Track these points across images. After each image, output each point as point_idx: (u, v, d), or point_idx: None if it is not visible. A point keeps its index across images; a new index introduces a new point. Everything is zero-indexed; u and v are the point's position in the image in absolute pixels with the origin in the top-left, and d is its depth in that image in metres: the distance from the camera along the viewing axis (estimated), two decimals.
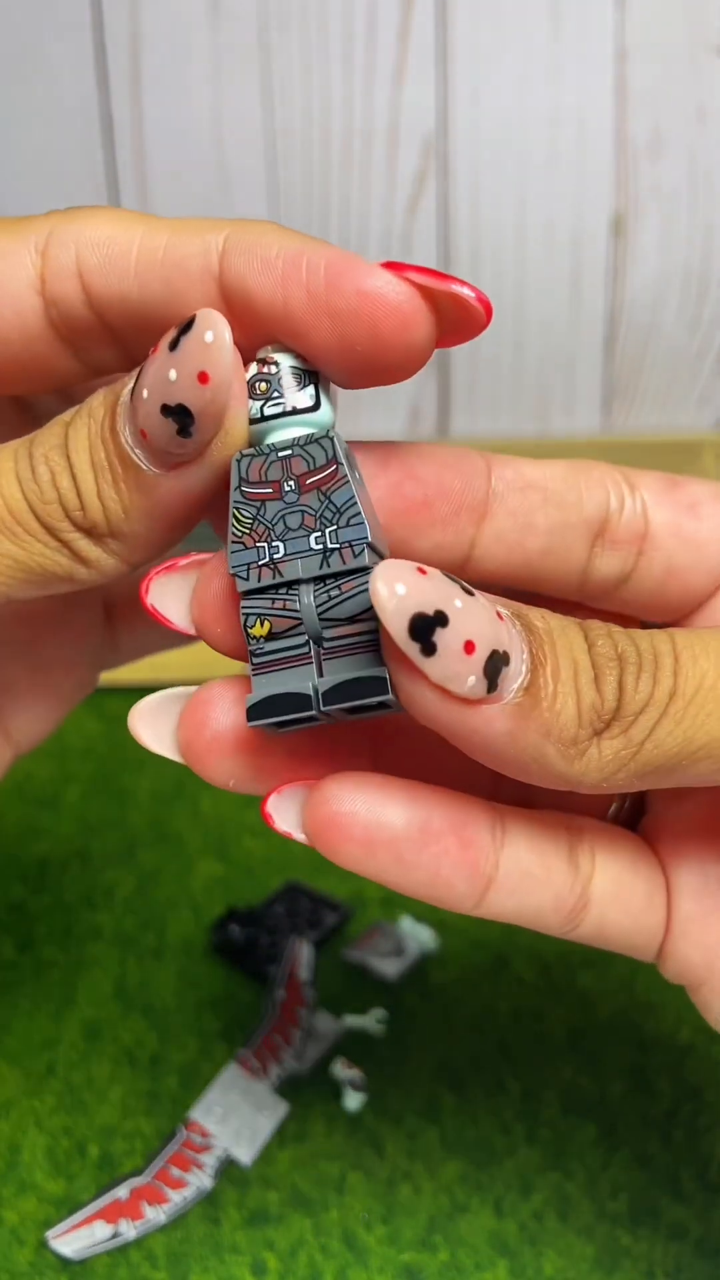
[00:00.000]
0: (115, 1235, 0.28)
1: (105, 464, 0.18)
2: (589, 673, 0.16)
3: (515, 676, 0.16)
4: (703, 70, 0.46)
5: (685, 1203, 0.29)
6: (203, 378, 0.17)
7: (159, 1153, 0.30)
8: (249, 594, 0.17)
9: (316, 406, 0.17)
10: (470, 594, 0.16)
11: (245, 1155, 0.30)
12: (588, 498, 0.19)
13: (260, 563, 0.17)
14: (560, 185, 0.48)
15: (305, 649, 0.17)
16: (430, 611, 0.15)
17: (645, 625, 0.21)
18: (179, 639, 0.24)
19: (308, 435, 0.17)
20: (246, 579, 0.17)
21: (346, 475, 0.17)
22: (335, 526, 0.17)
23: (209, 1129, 0.30)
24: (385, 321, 0.17)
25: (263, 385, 0.17)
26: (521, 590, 0.20)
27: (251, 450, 0.17)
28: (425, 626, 0.15)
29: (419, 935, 0.36)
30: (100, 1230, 0.28)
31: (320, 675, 0.17)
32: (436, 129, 0.47)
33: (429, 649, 0.15)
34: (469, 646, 0.15)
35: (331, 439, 0.17)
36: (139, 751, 0.50)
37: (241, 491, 0.17)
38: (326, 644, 0.17)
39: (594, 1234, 0.28)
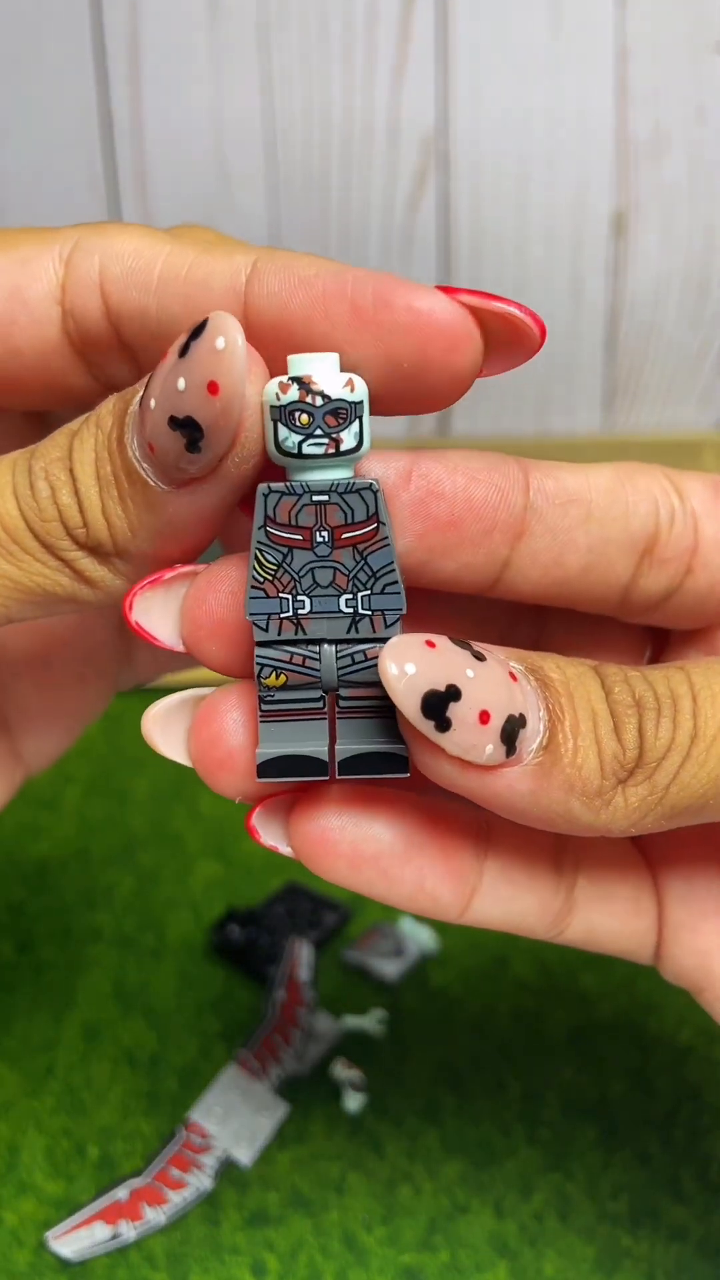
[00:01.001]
0: (115, 1236, 0.28)
1: (111, 479, 0.17)
2: (608, 722, 0.16)
3: (534, 737, 0.15)
4: (704, 69, 0.46)
5: (686, 1203, 0.29)
6: (213, 388, 0.15)
7: (158, 1154, 0.30)
8: (267, 644, 0.16)
9: (359, 447, 0.16)
10: (481, 659, 0.15)
11: (245, 1156, 0.30)
12: (634, 512, 0.18)
13: (282, 615, 0.16)
14: (561, 183, 0.48)
15: (319, 704, 0.16)
16: (442, 687, 0.15)
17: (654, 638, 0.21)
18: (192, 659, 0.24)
19: (348, 482, 0.16)
20: (265, 630, 0.16)
21: (388, 536, 0.16)
22: (369, 592, 0.16)
23: (209, 1130, 0.30)
24: (434, 341, 0.16)
25: (304, 417, 0.15)
26: (553, 607, 0.19)
27: (282, 486, 0.16)
28: (438, 703, 0.15)
29: (419, 936, 0.36)
30: (100, 1231, 0.28)
31: (334, 735, 0.16)
32: (437, 127, 0.47)
33: (443, 725, 0.15)
34: (484, 716, 0.15)
35: (375, 492, 0.16)
36: (139, 752, 0.50)
37: (267, 532, 0.16)
38: (343, 702, 0.17)
39: (594, 1235, 0.28)
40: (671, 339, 0.50)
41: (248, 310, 0.17)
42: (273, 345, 0.17)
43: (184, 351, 0.16)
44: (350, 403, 0.15)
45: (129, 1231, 0.28)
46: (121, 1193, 0.29)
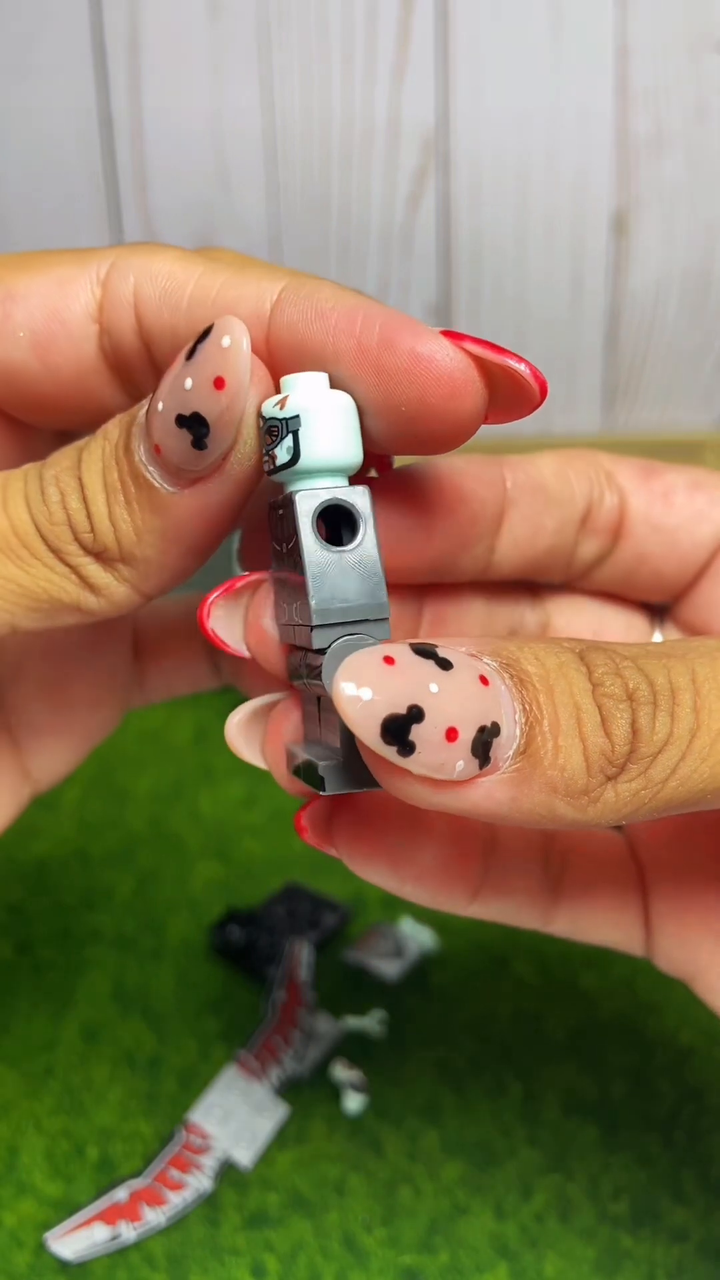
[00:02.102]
0: (114, 1237, 0.28)
1: (118, 484, 0.18)
2: (594, 716, 0.15)
3: (509, 742, 0.15)
4: (704, 67, 0.46)
5: (687, 1205, 0.28)
6: (219, 383, 0.16)
7: (158, 1155, 0.30)
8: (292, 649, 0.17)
9: (292, 461, 0.17)
10: (447, 667, 0.14)
11: (245, 1157, 0.30)
12: (578, 491, 0.20)
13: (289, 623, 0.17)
14: (561, 182, 0.48)
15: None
16: (403, 710, 0.14)
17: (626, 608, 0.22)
18: (206, 680, 0.25)
19: (278, 499, 0.17)
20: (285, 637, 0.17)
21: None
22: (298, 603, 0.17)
23: (208, 1131, 0.30)
24: (434, 388, 0.16)
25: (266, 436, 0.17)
26: (521, 580, 0.20)
27: (278, 501, 0.17)
28: (398, 728, 0.14)
29: (419, 936, 0.36)
30: (99, 1232, 0.28)
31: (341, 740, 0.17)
32: (437, 126, 0.47)
33: (406, 750, 0.14)
34: (451, 734, 0.14)
35: (291, 505, 0.17)
36: (139, 752, 0.50)
37: (273, 548, 0.17)
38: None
39: (595, 1236, 0.28)
40: (672, 338, 0.50)
41: (270, 336, 0.17)
42: (289, 368, 0.17)
43: (191, 354, 0.17)
44: (281, 419, 0.16)
45: (128, 1232, 0.28)
46: (121, 1194, 0.29)
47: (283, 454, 0.16)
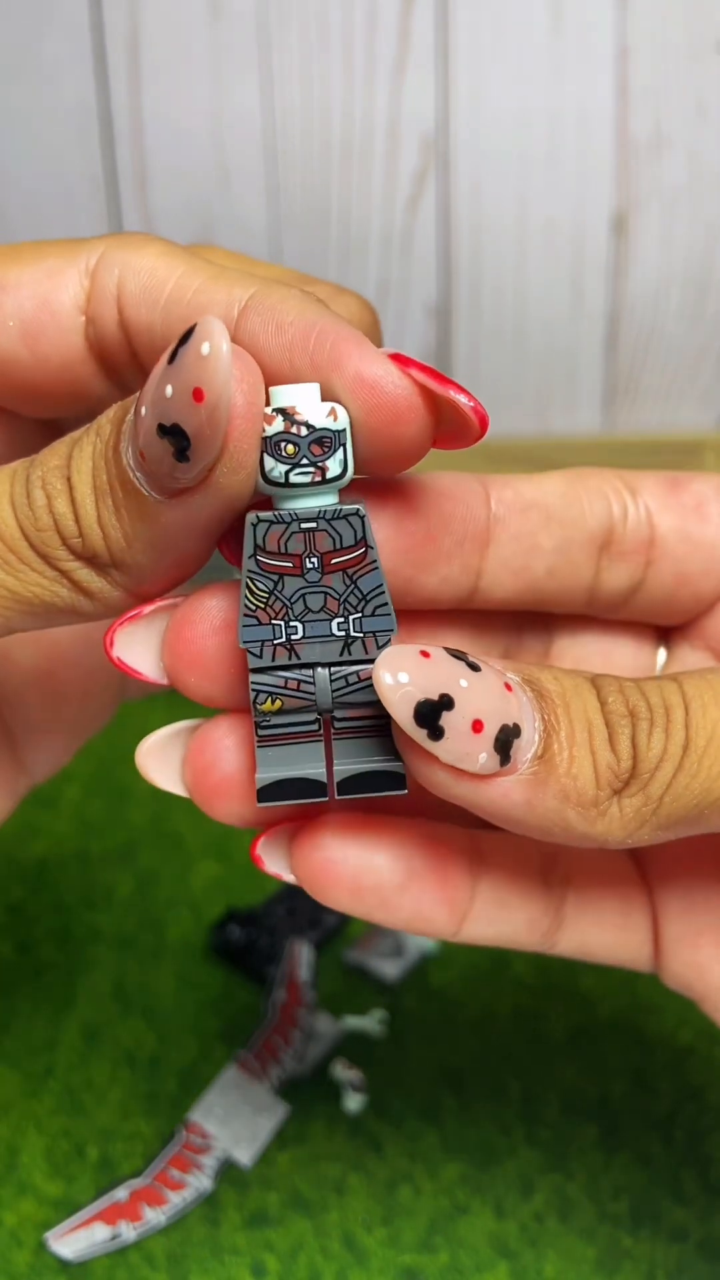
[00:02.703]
0: (115, 1237, 0.28)
1: (106, 488, 0.17)
2: (603, 733, 0.16)
3: (528, 746, 0.16)
4: (704, 68, 0.46)
5: (686, 1204, 0.29)
6: (197, 394, 0.15)
7: (159, 1154, 0.30)
8: (262, 670, 0.17)
9: (344, 474, 0.16)
10: (476, 669, 0.16)
11: (245, 1157, 0.30)
12: (589, 510, 0.19)
13: (276, 641, 0.17)
14: (561, 183, 0.48)
15: (315, 727, 0.17)
16: (435, 696, 0.15)
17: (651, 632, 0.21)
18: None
19: (335, 509, 0.16)
20: (259, 656, 0.17)
21: (375, 560, 0.16)
22: (360, 614, 0.16)
23: (209, 1130, 0.30)
24: (377, 411, 0.16)
25: (290, 447, 0.16)
26: (530, 611, 0.20)
27: (270, 515, 0.16)
28: (430, 712, 0.15)
29: (419, 936, 0.36)
30: (99, 1232, 0.28)
31: (331, 757, 0.17)
32: (437, 127, 0.47)
33: (436, 734, 0.15)
34: (477, 725, 0.15)
35: (362, 517, 0.16)
36: None
37: (257, 561, 0.16)
38: (338, 724, 0.17)
39: (595, 1235, 0.28)
40: (672, 339, 0.50)
41: (236, 344, 0.17)
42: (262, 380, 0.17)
43: (173, 358, 0.16)
44: (334, 431, 0.16)
45: (129, 1232, 0.28)
46: (121, 1193, 0.29)
47: (335, 466, 0.16)
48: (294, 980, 0.34)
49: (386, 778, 0.17)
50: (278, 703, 0.17)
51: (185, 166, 0.48)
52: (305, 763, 0.17)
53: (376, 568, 0.16)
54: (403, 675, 0.15)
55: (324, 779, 0.17)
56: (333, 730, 0.17)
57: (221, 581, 0.17)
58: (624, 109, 0.46)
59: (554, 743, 0.16)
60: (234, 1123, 0.30)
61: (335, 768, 0.17)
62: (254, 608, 0.16)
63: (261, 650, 0.17)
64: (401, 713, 0.15)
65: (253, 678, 0.17)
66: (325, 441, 0.16)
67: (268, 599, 0.16)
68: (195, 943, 0.37)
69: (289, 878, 0.18)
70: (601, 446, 0.50)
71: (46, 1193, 0.29)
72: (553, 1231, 0.28)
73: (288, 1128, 0.31)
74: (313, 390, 0.16)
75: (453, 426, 0.17)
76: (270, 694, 0.17)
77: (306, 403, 0.16)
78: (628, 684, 0.17)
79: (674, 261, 0.48)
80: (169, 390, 0.16)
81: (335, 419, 0.16)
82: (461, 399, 0.16)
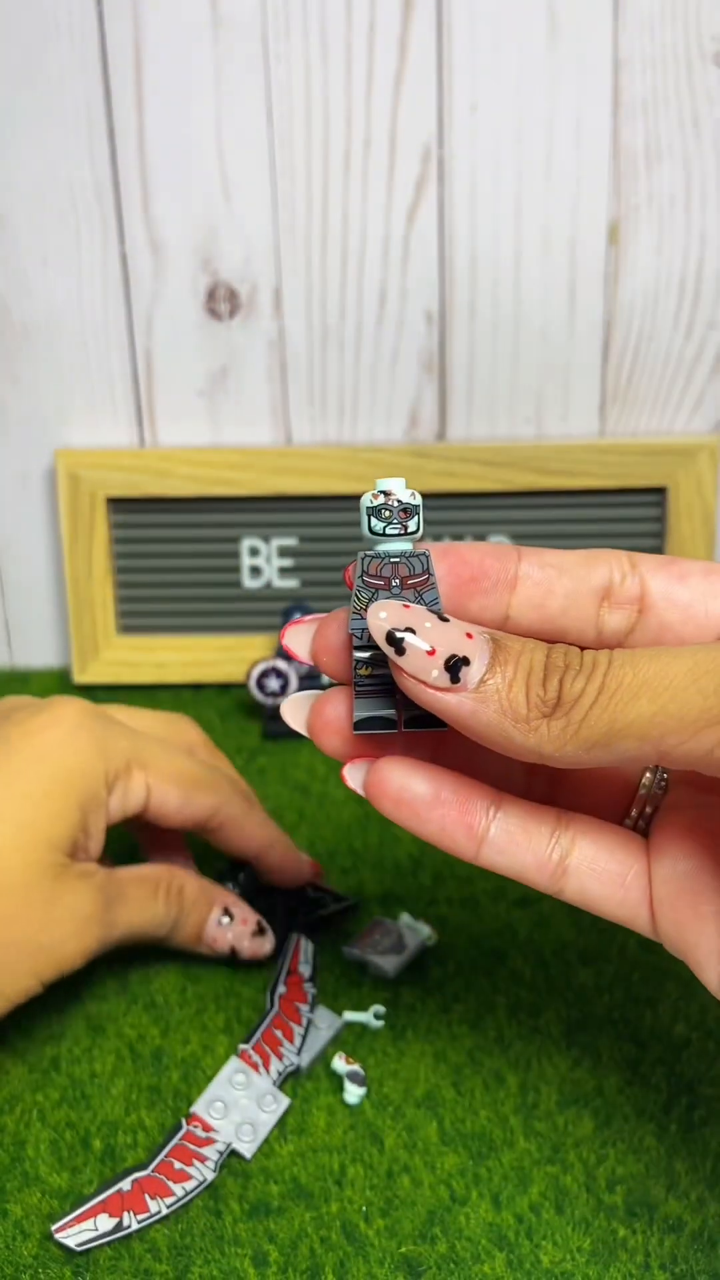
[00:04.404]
0: (118, 1227, 0.28)
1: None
2: (540, 675, 0.22)
3: (476, 673, 0.22)
4: (698, 79, 0.46)
5: (681, 1195, 0.29)
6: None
7: (162, 1146, 0.30)
8: (360, 648, 0.24)
9: (417, 531, 0.24)
10: (444, 620, 0.23)
11: (246, 1148, 0.30)
12: (595, 573, 0.25)
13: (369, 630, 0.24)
14: (557, 193, 0.48)
15: (389, 685, 0.24)
16: (402, 627, 0.23)
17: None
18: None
19: (411, 552, 0.24)
20: (361, 639, 0.24)
21: (435, 584, 0.24)
22: None
23: (211, 1122, 0.31)
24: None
25: (386, 513, 0.24)
26: (552, 640, 0.25)
27: (373, 553, 0.24)
28: (397, 637, 0.23)
29: (418, 931, 0.37)
30: (103, 1223, 0.28)
31: (400, 705, 0.24)
32: (435, 137, 0.48)
33: (400, 650, 0.23)
34: (431, 651, 0.22)
35: (427, 556, 0.24)
36: None
37: (364, 580, 0.24)
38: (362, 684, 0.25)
39: (591, 1226, 0.28)
40: (666, 346, 0.50)
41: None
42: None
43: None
44: (414, 505, 0.24)
45: (132, 1222, 0.28)
46: (125, 1184, 0.29)
47: (413, 526, 0.24)
48: (295, 975, 0.35)
49: (436, 720, 0.24)
50: (369, 669, 0.24)
51: (187, 176, 0.49)
52: (384, 708, 0.25)
53: (435, 587, 0.24)
54: (383, 614, 0.23)
55: (395, 717, 0.25)
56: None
57: (344, 606, 0.25)
58: (619, 120, 0.47)
59: (499, 675, 0.22)
60: (236, 1115, 0.31)
61: (406, 711, 0.25)
62: (358, 609, 0.24)
63: (363, 635, 0.24)
64: (379, 636, 0.22)
65: (355, 654, 0.24)
66: (408, 510, 0.24)
67: (366, 604, 0.24)
68: None
69: (360, 792, 0.25)
70: (597, 451, 0.50)
71: (51, 1184, 0.30)
72: (549, 1222, 0.28)
73: (288, 1120, 0.31)
74: (401, 481, 0.24)
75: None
76: (364, 663, 0.24)
77: (398, 488, 0.24)
78: (572, 650, 0.23)
79: (668, 269, 0.49)
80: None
81: (414, 498, 0.24)
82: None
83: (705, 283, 0.49)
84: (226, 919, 0.35)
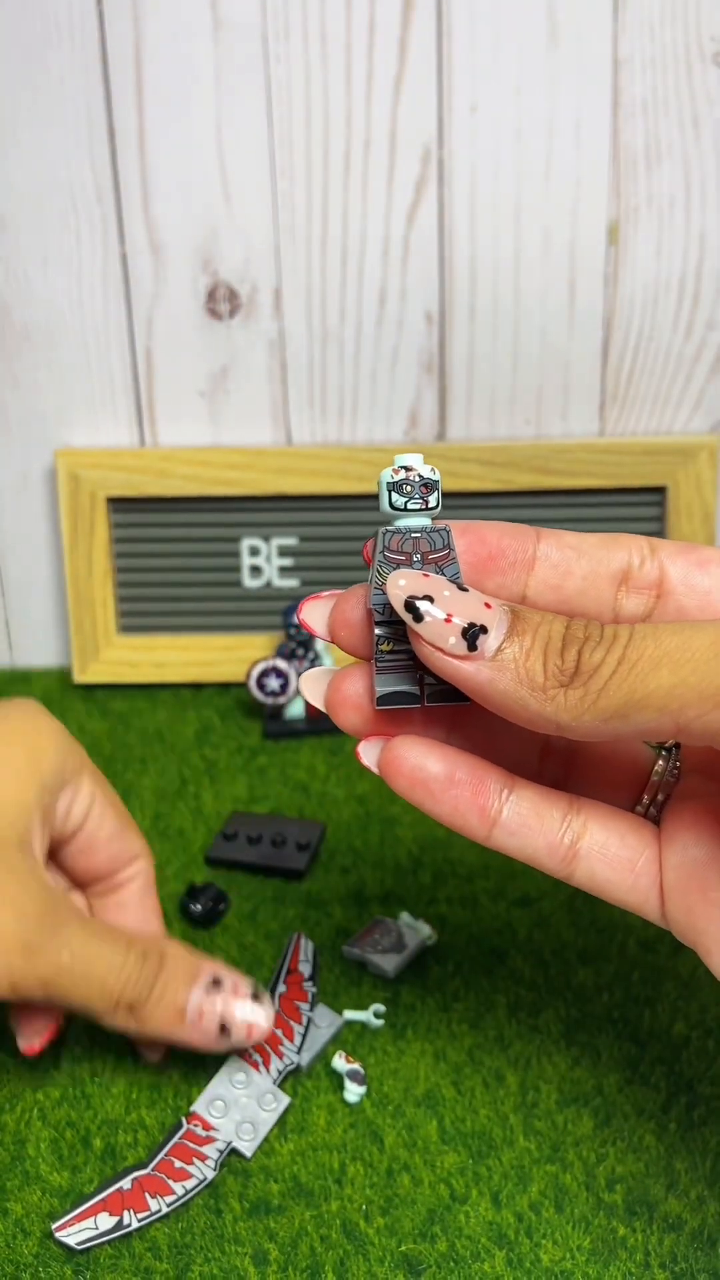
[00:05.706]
0: (119, 1226, 0.28)
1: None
2: (558, 645, 0.22)
3: (493, 643, 0.22)
4: (698, 80, 0.46)
5: (681, 1194, 0.29)
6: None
7: (162, 1144, 0.30)
8: (381, 623, 0.24)
9: (438, 505, 0.24)
10: (463, 590, 0.23)
11: (247, 1147, 0.30)
12: (614, 556, 0.25)
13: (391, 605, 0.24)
14: (557, 193, 0.49)
15: (410, 660, 0.24)
16: (420, 595, 0.23)
17: None
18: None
19: (431, 527, 0.24)
20: (382, 614, 0.24)
21: (455, 558, 0.24)
22: None
23: (211, 1121, 0.31)
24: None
25: (407, 487, 0.24)
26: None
27: (393, 528, 0.24)
28: (415, 605, 0.23)
29: (418, 931, 0.37)
30: (104, 1221, 0.28)
31: (423, 680, 0.24)
32: (435, 138, 0.48)
33: (418, 617, 0.23)
34: (448, 619, 0.22)
35: (448, 532, 0.24)
36: (142, 749, 0.50)
37: (385, 555, 0.24)
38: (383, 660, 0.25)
39: (591, 1225, 0.28)
40: (666, 345, 0.50)
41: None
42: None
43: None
44: (434, 480, 0.24)
45: (133, 1221, 0.28)
46: (125, 1183, 0.29)
47: (433, 501, 0.24)
48: (295, 974, 0.35)
49: (458, 695, 0.24)
50: (390, 645, 0.24)
51: (187, 177, 0.49)
52: (405, 683, 0.24)
53: (455, 561, 0.24)
54: (402, 581, 0.23)
55: (417, 692, 0.24)
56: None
57: (362, 583, 0.25)
58: (619, 120, 0.47)
59: (516, 644, 0.22)
60: (236, 1113, 0.31)
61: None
62: (379, 584, 0.24)
63: (385, 610, 0.24)
64: (398, 603, 0.23)
65: (376, 629, 0.24)
66: (429, 485, 0.24)
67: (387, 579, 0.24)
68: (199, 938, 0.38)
69: (375, 770, 0.25)
70: (596, 450, 0.50)
71: (52, 1182, 0.30)
72: (549, 1221, 0.28)
73: (288, 1118, 0.31)
74: (419, 457, 0.24)
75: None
76: (385, 639, 0.24)
77: (418, 463, 0.24)
78: (592, 622, 0.23)
79: (667, 269, 0.49)
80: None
81: (434, 473, 0.24)
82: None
83: (705, 283, 0.49)
84: (214, 988, 0.30)
